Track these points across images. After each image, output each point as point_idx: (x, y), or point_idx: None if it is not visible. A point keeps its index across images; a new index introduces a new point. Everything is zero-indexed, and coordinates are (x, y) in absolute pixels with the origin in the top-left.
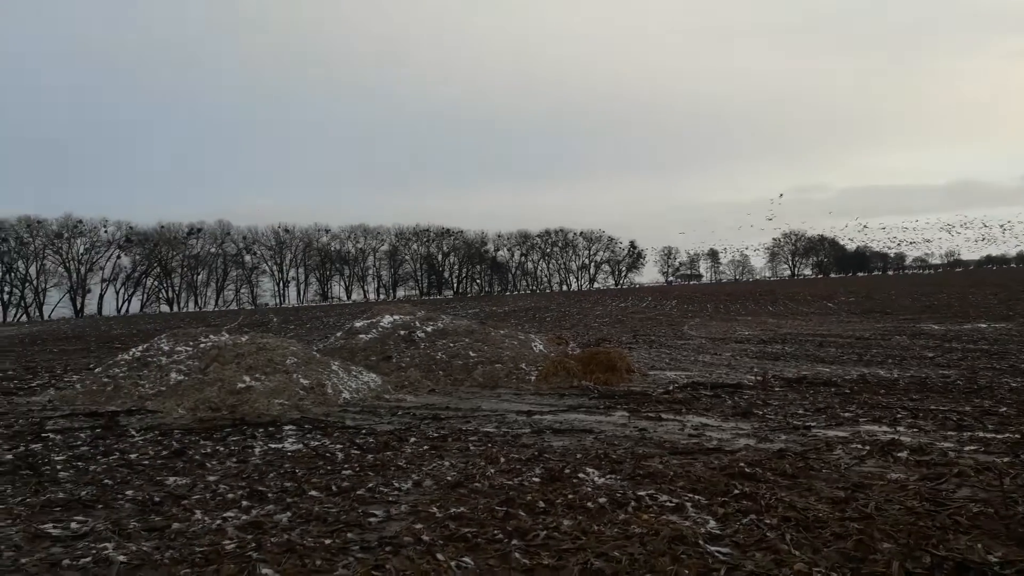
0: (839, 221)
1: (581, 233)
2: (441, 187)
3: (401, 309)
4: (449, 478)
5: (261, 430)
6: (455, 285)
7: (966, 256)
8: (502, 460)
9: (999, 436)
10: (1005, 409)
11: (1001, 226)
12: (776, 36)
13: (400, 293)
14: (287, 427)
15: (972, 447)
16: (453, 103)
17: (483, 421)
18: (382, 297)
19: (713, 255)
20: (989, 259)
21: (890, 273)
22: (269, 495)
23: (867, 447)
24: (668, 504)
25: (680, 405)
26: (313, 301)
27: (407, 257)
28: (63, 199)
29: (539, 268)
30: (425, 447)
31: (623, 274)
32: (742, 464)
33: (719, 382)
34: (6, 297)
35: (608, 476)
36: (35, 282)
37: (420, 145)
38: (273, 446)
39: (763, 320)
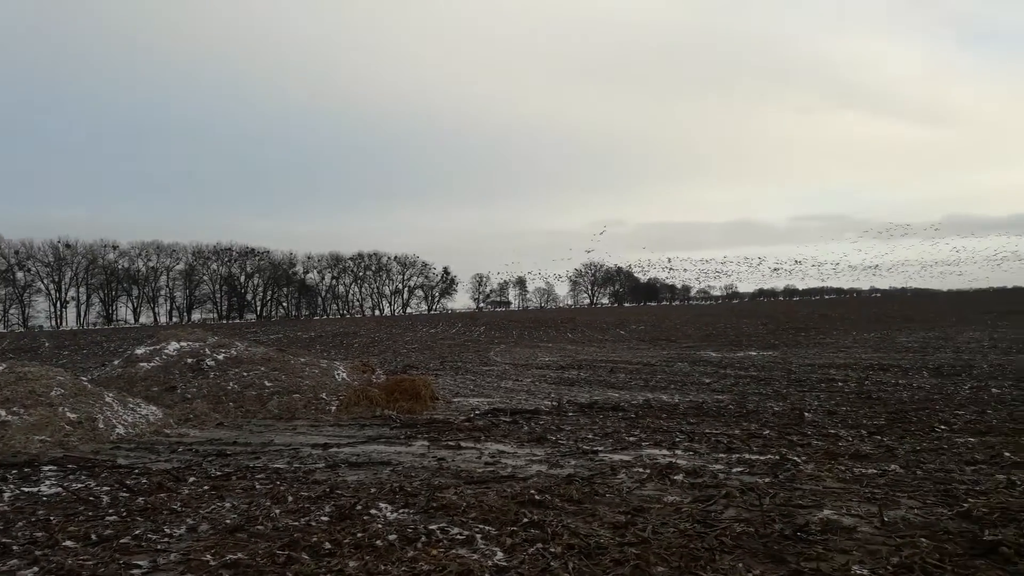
0: (638, 254)
1: (395, 257)
2: (247, 206)
3: (191, 335)
4: (228, 521)
5: (14, 471)
6: (259, 308)
7: (742, 289)
8: (290, 499)
9: (762, 457)
10: (768, 432)
11: (775, 269)
12: (588, 79)
13: (196, 316)
14: (46, 467)
15: (739, 468)
16: (262, 117)
17: (274, 456)
18: (175, 320)
19: (521, 283)
20: (761, 292)
21: (676, 303)
22: (14, 548)
23: (648, 470)
24: (458, 537)
25: (480, 432)
26: (95, 324)
27: (205, 277)
28: None
29: (351, 292)
30: (205, 487)
31: (436, 300)
32: (533, 491)
33: (518, 408)
34: None
35: (401, 511)
36: None
37: (226, 160)
38: (27, 490)
39: (563, 346)
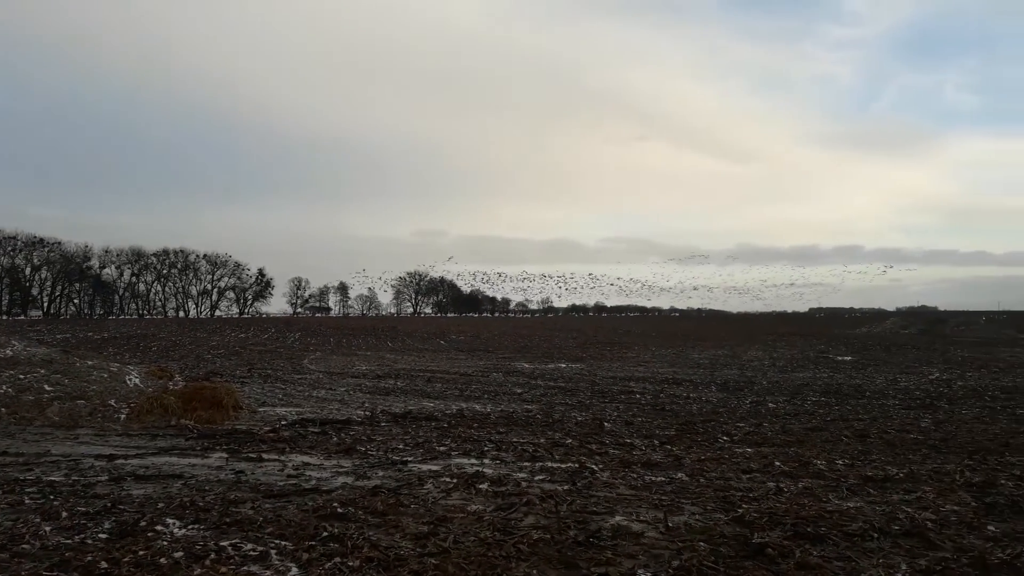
0: (463, 266)
1: (205, 256)
2: (32, 192)
3: None
4: None
5: None
6: (46, 305)
7: (557, 304)
8: (64, 515)
9: (563, 466)
10: (571, 441)
11: (592, 287)
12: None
13: None
14: None
15: (541, 476)
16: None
17: (49, 468)
18: None
19: (343, 289)
20: (574, 307)
21: (497, 315)
22: None
23: (454, 480)
24: (252, 553)
25: (285, 444)
26: None
27: None
28: None
29: (153, 291)
30: None
31: (249, 303)
32: (335, 504)
33: (329, 418)
34: None
35: (191, 526)
36: None
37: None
38: None
39: (382, 355)
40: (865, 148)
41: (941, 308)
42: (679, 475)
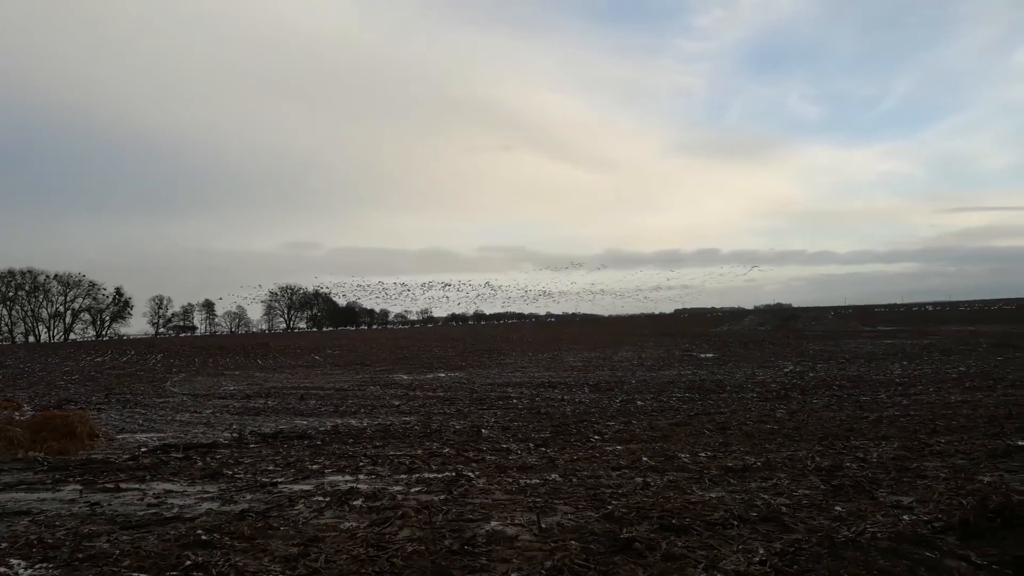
0: (336, 277)
1: (56, 276)
2: None
3: None
4: None
5: None
6: None
7: (437, 314)
8: None
9: (440, 475)
10: (448, 450)
11: (477, 295)
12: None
13: None
14: None
15: (417, 488)
16: None
17: None
18: None
19: (209, 306)
20: (454, 316)
21: (375, 328)
22: None
23: (328, 498)
24: None
25: (145, 471)
26: None
27: None
28: None
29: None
30: None
31: (107, 324)
32: (199, 531)
33: (193, 442)
34: None
35: (39, 566)
36: None
37: None
38: None
39: (252, 374)
40: (720, 156)
41: (795, 305)
42: (553, 476)
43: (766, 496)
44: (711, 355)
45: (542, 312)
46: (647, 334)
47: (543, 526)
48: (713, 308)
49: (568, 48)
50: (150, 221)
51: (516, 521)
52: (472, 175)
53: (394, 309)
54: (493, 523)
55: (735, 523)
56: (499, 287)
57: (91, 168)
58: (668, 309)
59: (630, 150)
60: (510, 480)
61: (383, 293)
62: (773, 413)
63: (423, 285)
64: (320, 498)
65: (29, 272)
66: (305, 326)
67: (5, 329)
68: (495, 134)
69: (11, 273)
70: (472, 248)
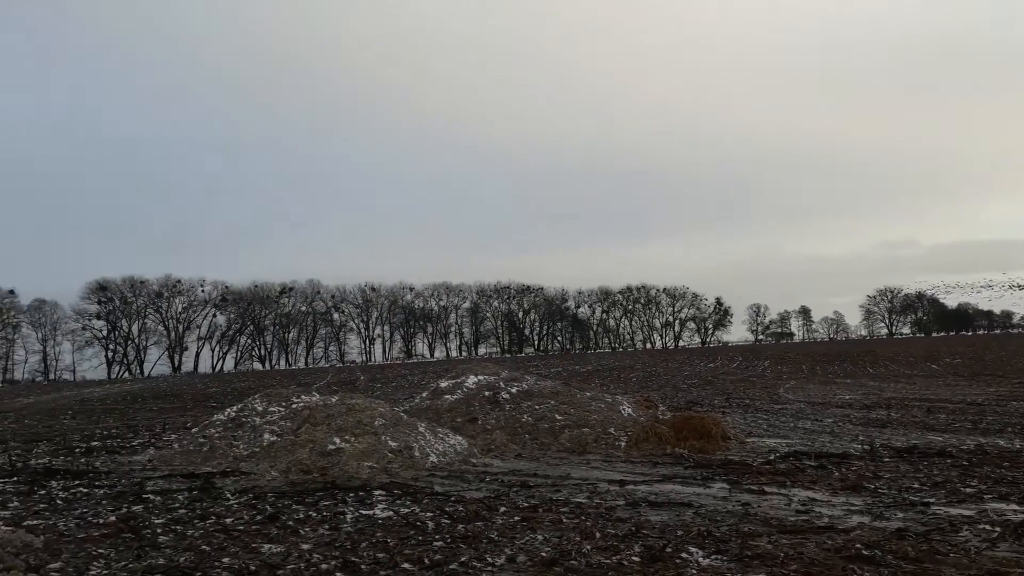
0: (937, 277)
1: (664, 290)
2: (518, 245)
3: (485, 369)
4: (544, 554)
5: (351, 495)
6: (536, 342)
7: None
8: (597, 535)
9: None
10: None
11: None
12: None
13: (481, 350)
14: (377, 492)
15: None
16: (525, 161)
17: (574, 490)
18: (464, 354)
19: (805, 312)
20: None
21: (997, 332)
22: (363, 567)
23: (997, 528)
24: None
25: (783, 477)
26: (398, 359)
27: (488, 314)
28: (163, 260)
29: (621, 325)
30: (516, 518)
31: (709, 332)
32: (858, 545)
33: (823, 451)
34: (110, 354)
35: (713, 557)
36: (136, 340)
37: (499, 202)
38: (364, 513)
39: (863, 382)
40: None
41: None
42: None
43: None
44: None
45: None
46: None
47: None
48: None
49: None
50: (738, 237)
51: None
52: None
53: (1020, 311)
54: None
55: None
56: None
57: (685, 193)
58: None
59: None
60: None
61: (1001, 292)
62: None
63: None
64: (987, 526)
65: (643, 287)
66: (909, 331)
67: (627, 337)
68: None
69: (630, 289)
70: None
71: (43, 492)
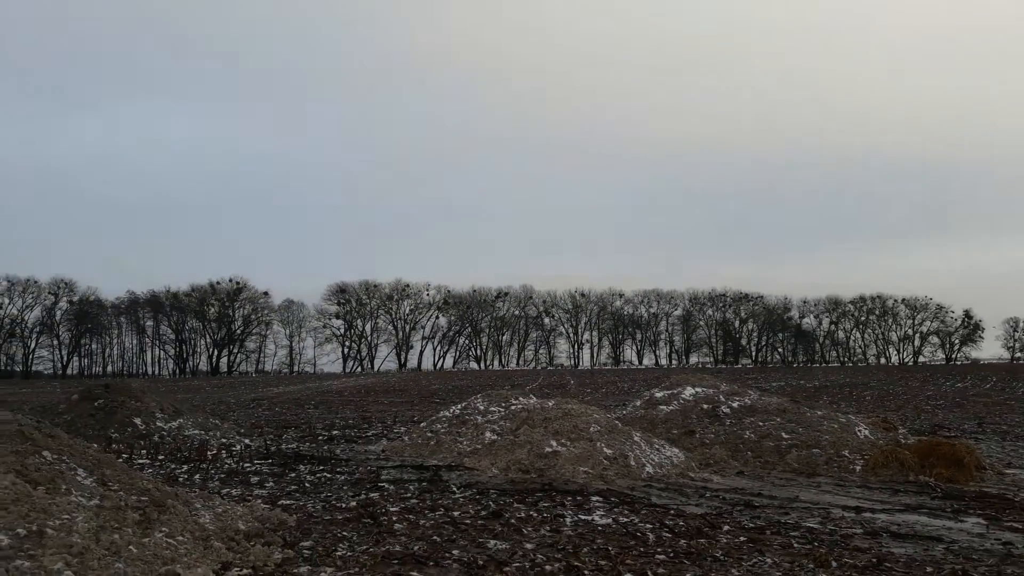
0: None
1: (903, 300)
2: (739, 252)
3: (702, 380)
4: None
5: (569, 498)
6: (753, 354)
7: None
8: (833, 564)
9: None
10: None
11: None
12: None
13: (693, 359)
14: (594, 498)
15: None
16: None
17: (803, 514)
18: (674, 363)
19: None
20: None
21: None
22: (585, 572)
23: None
24: None
25: None
26: (606, 364)
27: (701, 323)
28: (392, 265)
29: (852, 338)
30: (742, 538)
31: (956, 348)
32: None
33: None
34: (346, 350)
35: None
36: (369, 338)
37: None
38: (583, 517)
39: None
40: None
41: None
42: None
43: None
44: None
45: None
46: None
47: None
48: None
49: None
50: (991, 242)
51: None
52: None
53: None
54: None
55: None
56: None
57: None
58: None
59: None
60: None
61: None
62: None
63: None
64: None
65: (879, 297)
66: None
67: (859, 351)
68: None
69: (862, 299)
70: None
71: (293, 475)
